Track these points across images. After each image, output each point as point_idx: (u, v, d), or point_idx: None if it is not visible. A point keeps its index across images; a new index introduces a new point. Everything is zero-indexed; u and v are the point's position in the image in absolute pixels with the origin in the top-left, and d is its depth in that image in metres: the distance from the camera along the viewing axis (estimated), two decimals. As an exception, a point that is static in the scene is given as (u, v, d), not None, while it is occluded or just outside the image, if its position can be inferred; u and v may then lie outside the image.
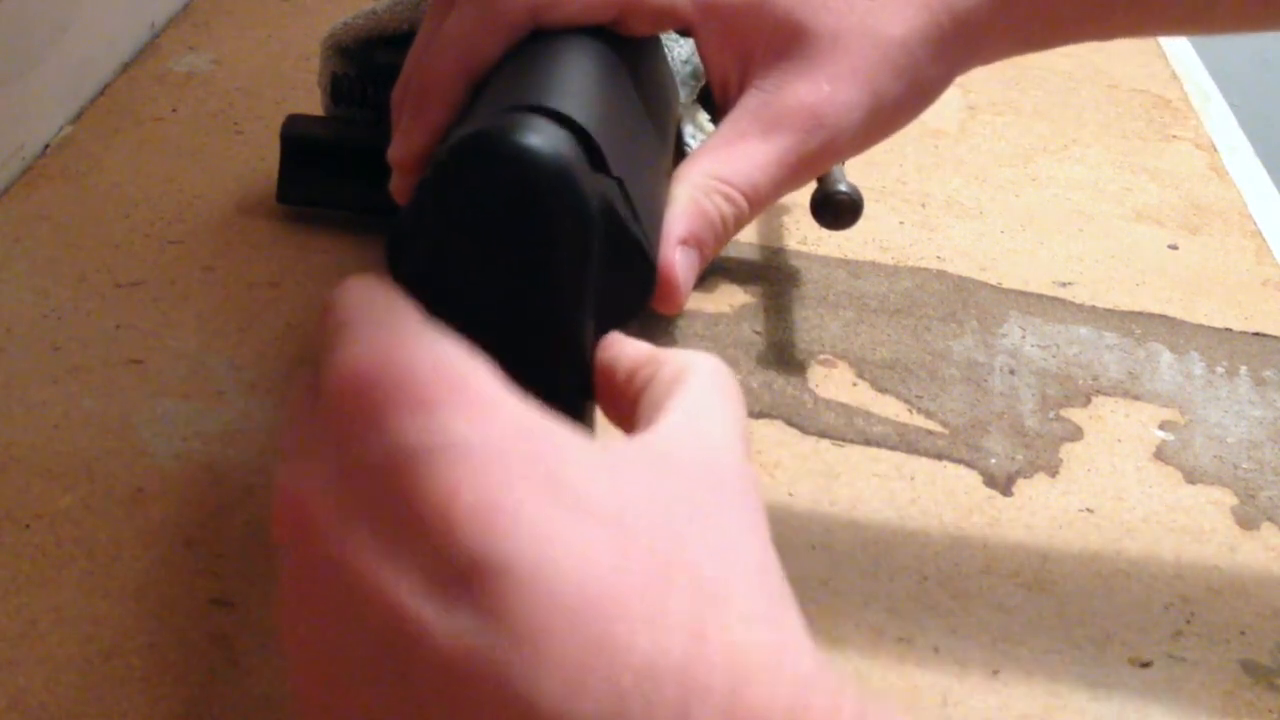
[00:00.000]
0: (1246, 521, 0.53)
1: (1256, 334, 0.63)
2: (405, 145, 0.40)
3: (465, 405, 0.26)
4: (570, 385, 0.33)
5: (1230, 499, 0.54)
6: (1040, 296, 0.64)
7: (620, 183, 0.34)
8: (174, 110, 0.70)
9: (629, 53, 0.41)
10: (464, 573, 0.24)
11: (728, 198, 0.39)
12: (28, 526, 0.46)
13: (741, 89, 0.42)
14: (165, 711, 0.41)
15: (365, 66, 0.61)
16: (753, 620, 0.24)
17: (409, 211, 0.34)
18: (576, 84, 0.36)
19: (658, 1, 0.41)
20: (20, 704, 0.40)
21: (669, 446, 0.28)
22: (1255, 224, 0.72)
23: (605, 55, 0.39)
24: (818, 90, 0.41)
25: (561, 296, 0.33)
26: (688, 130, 0.56)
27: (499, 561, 0.24)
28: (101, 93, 0.71)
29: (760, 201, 0.40)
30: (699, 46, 0.43)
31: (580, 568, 0.24)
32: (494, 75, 0.39)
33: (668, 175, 0.40)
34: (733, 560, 0.25)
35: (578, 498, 0.25)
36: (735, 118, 0.41)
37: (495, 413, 0.26)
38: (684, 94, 0.55)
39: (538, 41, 0.39)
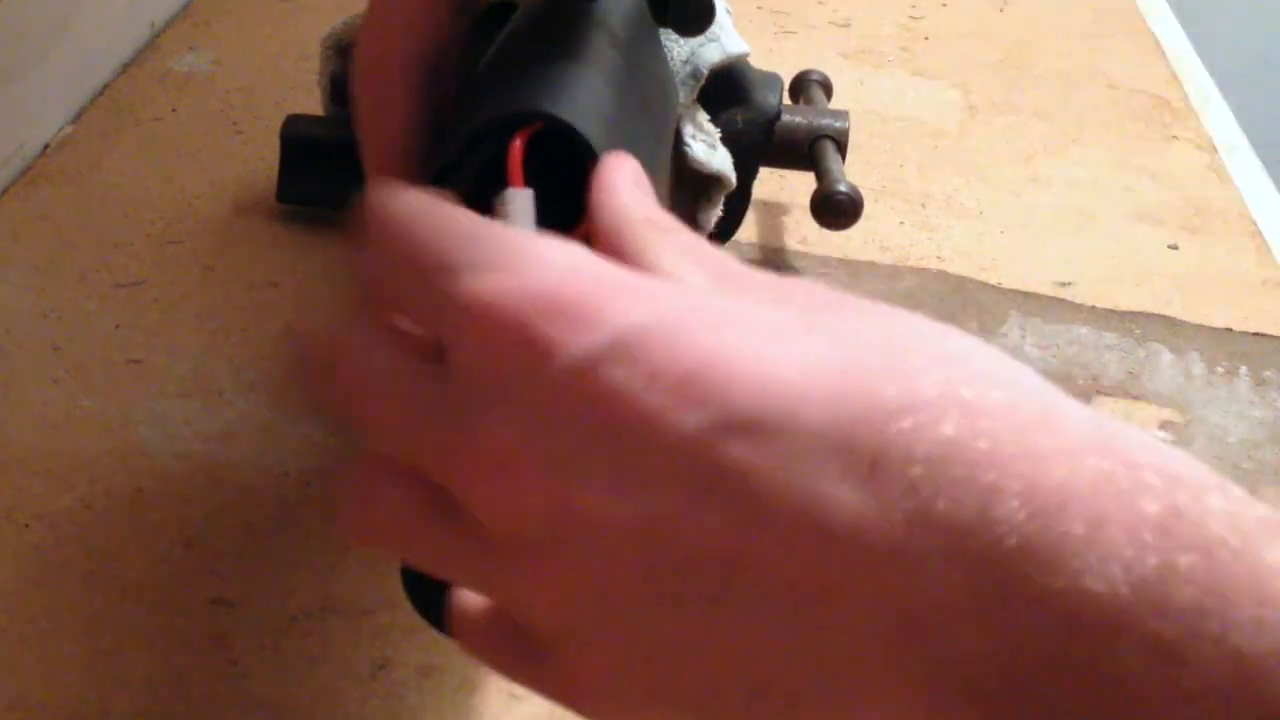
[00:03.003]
0: (1246, 521, 0.53)
1: (1256, 334, 0.63)
2: (378, 142, 0.38)
3: (620, 297, 0.25)
4: None
5: (1230, 499, 0.53)
6: (1040, 296, 0.64)
7: None
8: (174, 110, 0.70)
9: (628, 51, 0.41)
10: (695, 448, 0.23)
11: None
12: (27, 526, 0.46)
13: None
14: (165, 712, 0.41)
15: (365, 66, 0.60)
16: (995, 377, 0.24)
17: None
18: (576, 87, 0.36)
19: None
20: (20, 704, 0.40)
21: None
22: (1255, 224, 0.72)
23: (603, 54, 0.39)
24: None
25: None
26: (687, 130, 0.56)
27: (726, 416, 0.23)
28: (101, 93, 0.71)
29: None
30: None
31: (820, 376, 0.23)
32: (485, 66, 0.38)
33: (665, 179, 0.40)
34: (916, 327, 0.25)
35: (771, 324, 0.24)
36: None
37: (641, 295, 0.25)
38: (684, 94, 0.55)
39: (528, 23, 0.38)
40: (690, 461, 0.23)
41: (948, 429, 0.23)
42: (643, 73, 0.42)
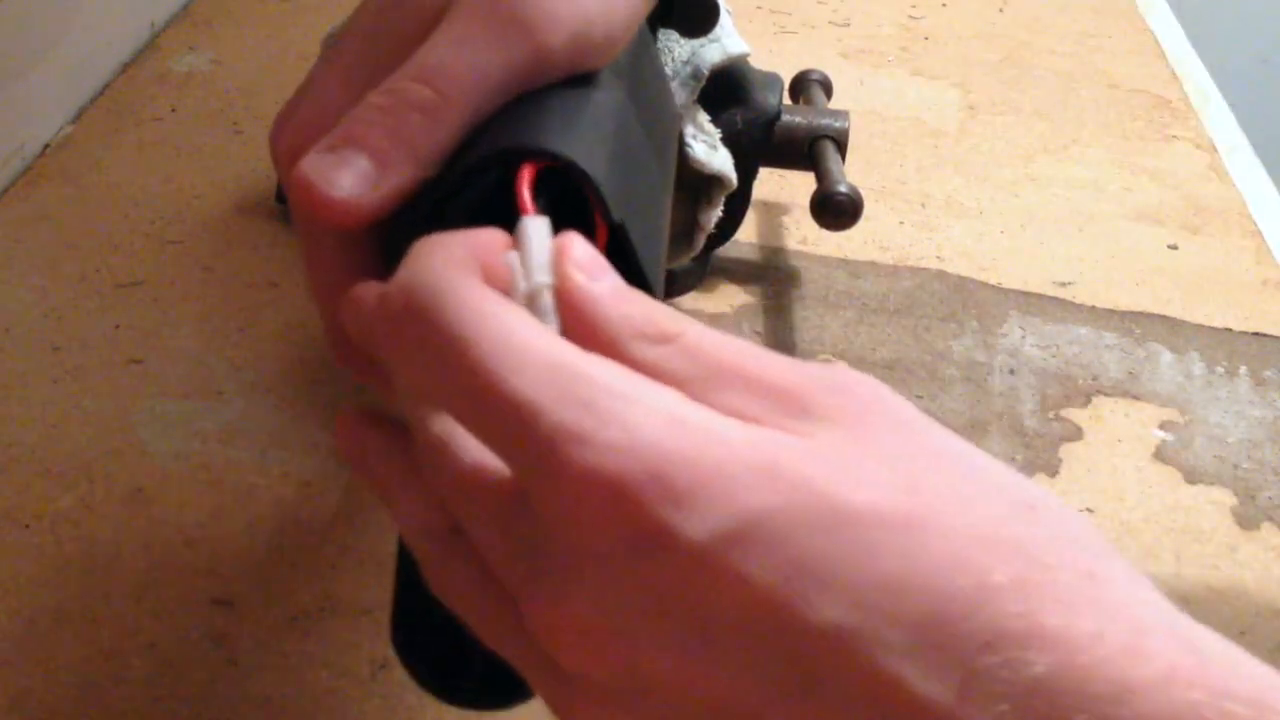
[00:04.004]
0: (1246, 521, 0.53)
1: (1256, 334, 0.63)
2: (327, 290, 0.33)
3: (716, 484, 0.24)
4: None
5: (1230, 499, 0.54)
6: (1040, 296, 0.64)
7: (621, 227, 0.34)
8: (174, 110, 0.70)
9: (628, 69, 0.40)
10: (799, 645, 0.24)
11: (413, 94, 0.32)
12: (27, 526, 0.46)
13: None
14: (165, 711, 0.41)
15: (365, 66, 0.60)
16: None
17: (406, 240, 0.33)
18: (578, 120, 0.35)
19: None
20: (20, 704, 0.40)
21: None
22: (1255, 224, 0.72)
23: (603, 78, 0.38)
24: None
25: None
26: (688, 130, 0.56)
27: (830, 621, 0.23)
28: (101, 93, 0.71)
29: (462, 94, 0.33)
30: None
31: (918, 586, 0.23)
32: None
33: (668, 205, 0.39)
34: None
35: (866, 518, 0.24)
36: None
37: (745, 479, 0.24)
38: (684, 94, 0.55)
39: None
40: (783, 658, 0.24)
41: (1036, 669, 0.23)
42: (643, 90, 0.41)
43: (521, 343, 0.25)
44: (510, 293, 0.27)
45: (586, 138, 0.34)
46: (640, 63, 0.41)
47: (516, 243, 0.28)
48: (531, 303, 0.27)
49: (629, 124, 0.37)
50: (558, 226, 0.31)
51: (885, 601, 0.23)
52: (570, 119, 0.34)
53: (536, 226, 0.28)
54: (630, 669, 0.25)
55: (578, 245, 0.27)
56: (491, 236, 0.27)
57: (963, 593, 0.23)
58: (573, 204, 0.33)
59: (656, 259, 0.36)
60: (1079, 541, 0.25)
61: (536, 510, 0.25)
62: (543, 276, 0.27)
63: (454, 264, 0.26)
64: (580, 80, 0.37)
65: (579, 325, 0.26)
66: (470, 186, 0.33)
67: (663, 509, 0.24)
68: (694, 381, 0.26)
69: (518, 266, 0.27)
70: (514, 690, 0.32)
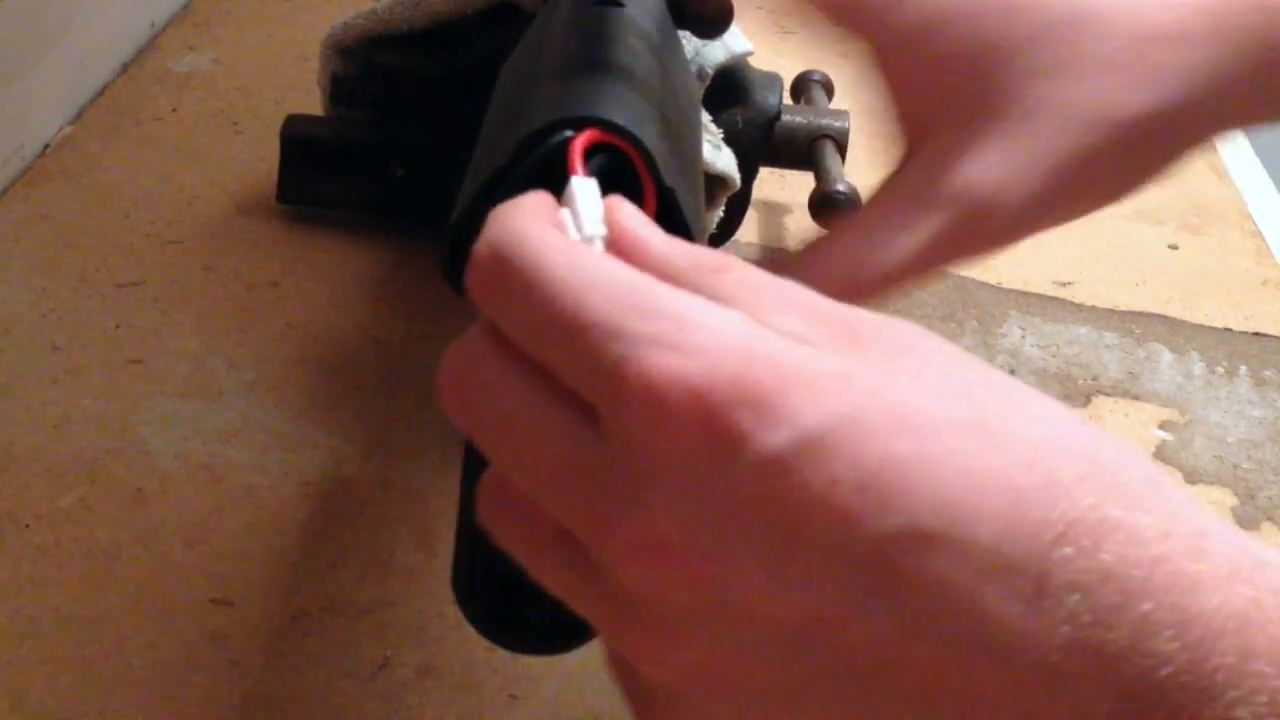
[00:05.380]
0: (1246, 521, 0.53)
1: (1256, 334, 0.63)
2: None
3: (796, 390, 0.24)
4: None
5: (1230, 499, 0.54)
6: (1040, 296, 0.64)
7: (671, 192, 0.34)
8: (174, 110, 0.70)
9: (661, 54, 0.40)
10: (873, 555, 0.23)
11: (852, 293, 0.35)
12: (28, 526, 0.46)
13: (921, 139, 0.37)
14: (165, 711, 0.41)
15: (365, 66, 0.61)
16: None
17: (471, 212, 0.34)
18: (625, 93, 0.35)
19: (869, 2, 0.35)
20: (20, 704, 0.40)
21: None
22: (1255, 224, 0.72)
23: (641, 58, 0.39)
24: (1009, 168, 0.35)
25: None
26: (688, 130, 0.56)
27: (908, 527, 0.23)
28: (101, 93, 0.71)
29: (889, 290, 0.36)
30: (886, 78, 0.37)
31: (991, 491, 0.23)
32: (519, 71, 0.38)
33: (701, 178, 0.40)
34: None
35: (935, 418, 0.24)
36: (901, 183, 0.37)
37: (822, 385, 0.24)
38: (685, 94, 0.55)
39: (561, 27, 0.37)
40: (865, 566, 0.23)
41: (1106, 557, 0.23)
42: (676, 74, 0.42)
43: (595, 266, 0.25)
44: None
45: (635, 108, 0.35)
46: (666, 42, 0.42)
47: (567, 202, 0.29)
48: None
49: (665, 99, 0.38)
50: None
51: (963, 500, 0.23)
52: (619, 92, 0.35)
53: (585, 186, 0.29)
54: (713, 587, 0.24)
55: (625, 204, 0.28)
56: (543, 198, 0.28)
57: (1036, 489, 0.23)
58: (619, 179, 0.33)
59: (700, 228, 0.37)
60: (1136, 455, 0.25)
61: (612, 430, 0.25)
62: (595, 229, 0.28)
63: (525, 214, 0.27)
64: (616, 55, 0.37)
65: (645, 269, 0.27)
66: (523, 162, 0.34)
67: (743, 414, 0.24)
68: (755, 308, 0.26)
69: (570, 221, 0.28)
70: (575, 634, 0.33)
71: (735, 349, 0.24)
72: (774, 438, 0.24)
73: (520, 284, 0.25)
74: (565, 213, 0.28)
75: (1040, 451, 0.24)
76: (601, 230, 0.28)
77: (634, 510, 0.24)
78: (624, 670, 0.28)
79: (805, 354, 0.25)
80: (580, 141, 0.31)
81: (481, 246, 0.27)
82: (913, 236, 0.35)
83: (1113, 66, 0.36)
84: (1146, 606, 0.23)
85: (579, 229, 0.28)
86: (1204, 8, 0.37)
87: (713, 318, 0.25)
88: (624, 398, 0.24)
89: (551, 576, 0.27)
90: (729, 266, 0.27)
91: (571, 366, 0.25)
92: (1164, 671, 0.22)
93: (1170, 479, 0.26)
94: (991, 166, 0.35)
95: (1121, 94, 0.36)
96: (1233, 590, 0.23)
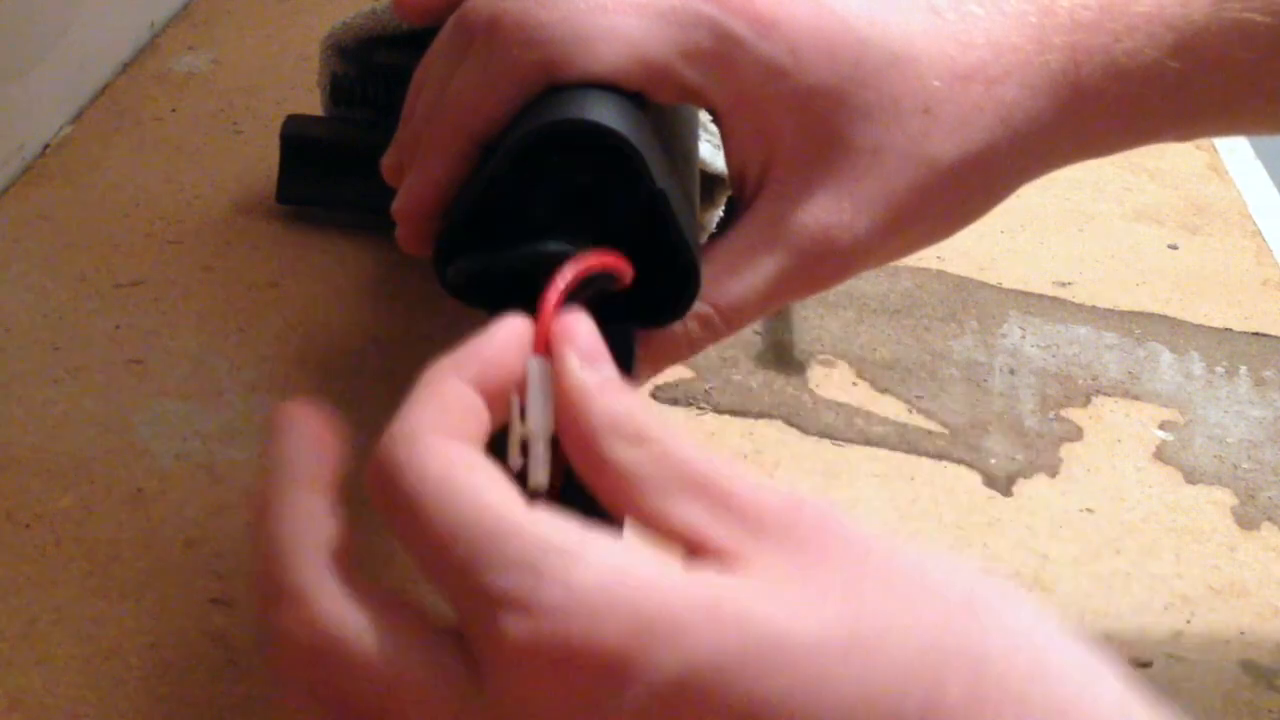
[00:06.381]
0: (1246, 521, 0.53)
1: (1256, 334, 0.63)
2: (409, 200, 0.38)
3: (657, 638, 0.24)
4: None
5: (1230, 499, 0.54)
6: (1040, 296, 0.64)
7: (664, 195, 0.35)
8: (174, 110, 0.70)
9: None
10: None
11: (705, 321, 0.38)
12: (28, 526, 0.46)
13: (759, 185, 0.38)
14: (165, 711, 0.41)
15: (365, 66, 0.60)
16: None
17: (461, 216, 0.35)
18: (614, 101, 0.36)
19: (687, 78, 0.37)
20: (20, 704, 0.40)
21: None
22: (1255, 224, 0.72)
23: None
24: (839, 211, 0.37)
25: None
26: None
27: None
28: (101, 93, 0.71)
29: (743, 323, 0.38)
30: (723, 133, 0.39)
31: (861, 713, 0.23)
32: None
33: (697, 177, 0.40)
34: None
35: (812, 650, 0.24)
36: (744, 228, 0.38)
37: (685, 624, 0.24)
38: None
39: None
40: None
41: None
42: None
43: (462, 506, 0.26)
44: (509, 426, 0.29)
45: (626, 110, 0.35)
46: None
47: (521, 387, 0.29)
48: (525, 449, 0.29)
49: (657, 114, 0.38)
50: (595, 215, 0.34)
51: None
52: (609, 95, 0.36)
53: (539, 370, 0.29)
54: None
55: (582, 327, 0.29)
56: (504, 356, 0.29)
57: (915, 712, 0.23)
58: (614, 181, 0.35)
59: (694, 229, 0.37)
60: (1022, 633, 0.25)
61: (486, 678, 0.25)
62: (537, 426, 0.29)
63: (417, 430, 0.27)
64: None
65: (566, 413, 0.28)
66: (518, 168, 0.35)
67: (601, 677, 0.24)
68: (656, 488, 0.26)
69: (516, 412, 0.29)
70: None
71: (589, 603, 0.24)
72: (636, 693, 0.24)
73: (400, 510, 0.26)
74: (514, 401, 0.29)
75: (921, 666, 0.24)
76: (541, 430, 0.28)
77: None
78: None
79: (672, 585, 0.24)
80: (566, 274, 0.31)
81: (372, 461, 0.27)
82: (758, 274, 0.37)
83: (928, 109, 0.37)
84: None
85: (523, 423, 0.29)
86: (1018, 46, 0.38)
87: (581, 564, 0.24)
88: (487, 655, 0.25)
89: None
90: (652, 440, 0.27)
91: (456, 606, 0.26)
92: None
93: (1063, 643, 0.25)
94: (824, 210, 0.37)
95: (938, 136, 0.37)
96: None
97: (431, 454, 0.26)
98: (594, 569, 0.24)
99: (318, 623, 0.26)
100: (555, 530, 0.25)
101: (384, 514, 0.27)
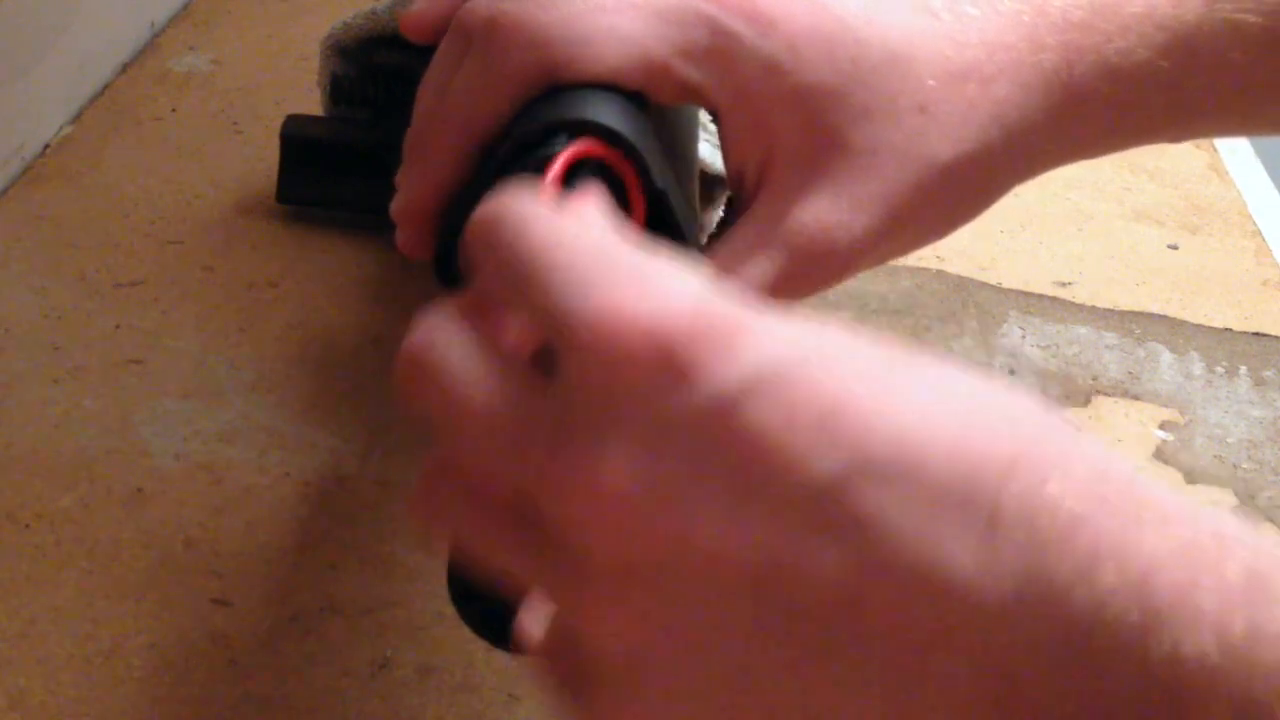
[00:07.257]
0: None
1: (1256, 334, 0.63)
2: (408, 201, 0.38)
3: (751, 332, 0.25)
4: None
5: (1230, 499, 0.54)
6: (1040, 296, 0.64)
7: (664, 194, 0.35)
8: (174, 110, 0.70)
9: None
10: (829, 490, 0.23)
11: None
12: (28, 526, 0.46)
13: (758, 185, 0.39)
14: (165, 711, 0.41)
15: (365, 66, 0.61)
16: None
17: (461, 217, 0.35)
18: (614, 101, 0.36)
19: (687, 77, 0.37)
20: (20, 704, 0.40)
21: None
22: (1255, 224, 0.72)
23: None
24: (837, 211, 0.37)
25: None
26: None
27: (863, 461, 0.23)
28: (101, 93, 0.71)
29: None
30: (721, 132, 0.39)
31: (942, 428, 0.24)
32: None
33: (696, 176, 0.40)
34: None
35: (885, 365, 0.25)
36: (743, 228, 0.39)
37: (774, 331, 0.25)
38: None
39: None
40: (820, 503, 0.23)
41: (1052, 489, 0.23)
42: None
43: (569, 227, 0.26)
44: None
45: (627, 111, 0.36)
46: None
47: None
48: None
49: (659, 116, 0.39)
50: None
51: (914, 433, 0.24)
52: (610, 95, 0.36)
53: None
54: (672, 536, 0.24)
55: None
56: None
57: (982, 425, 0.24)
58: (611, 181, 0.35)
59: (694, 229, 0.38)
60: (1061, 419, 0.26)
61: (568, 374, 0.25)
62: None
63: (517, 191, 0.28)
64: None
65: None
66: (520, 166, 0.35)
67: (698, 350, 0.24)
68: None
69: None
70: None
71: (692, 295, 0.25)
72: (730, 373, 0.24)
73: (504, 240, 0.27)
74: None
75: (981, 398, 0.25)
76: None
77: (590, 457, 0.25)
78: (560, 664, 0.27)
79: (759, 311, 0.25)
80: (565, 155, 0.32)
81: (477, 213, 0.28)
82: (757, 274, 0.38)
83: (924, 108, 0.38)
84: (1089, 542, 0.23)
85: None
86: (1011, 45, 0.39)
87: (677, 278, 0.25)
88: (580, 335, 0.25)
89: (501, 554, 0.27)
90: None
91: (539, 313, 0.26)
92: (1107, 609, 0.22)
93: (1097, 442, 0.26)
94: (822, 210, 0.38)
95: (935, 135, 0.38)
96: (1170, 529, 0.23)
97: (531, 204, 0.27)
98: (691, 282, 0.26)
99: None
100: (653, 257, 0.26)
101: (481, 248, 0.27)
